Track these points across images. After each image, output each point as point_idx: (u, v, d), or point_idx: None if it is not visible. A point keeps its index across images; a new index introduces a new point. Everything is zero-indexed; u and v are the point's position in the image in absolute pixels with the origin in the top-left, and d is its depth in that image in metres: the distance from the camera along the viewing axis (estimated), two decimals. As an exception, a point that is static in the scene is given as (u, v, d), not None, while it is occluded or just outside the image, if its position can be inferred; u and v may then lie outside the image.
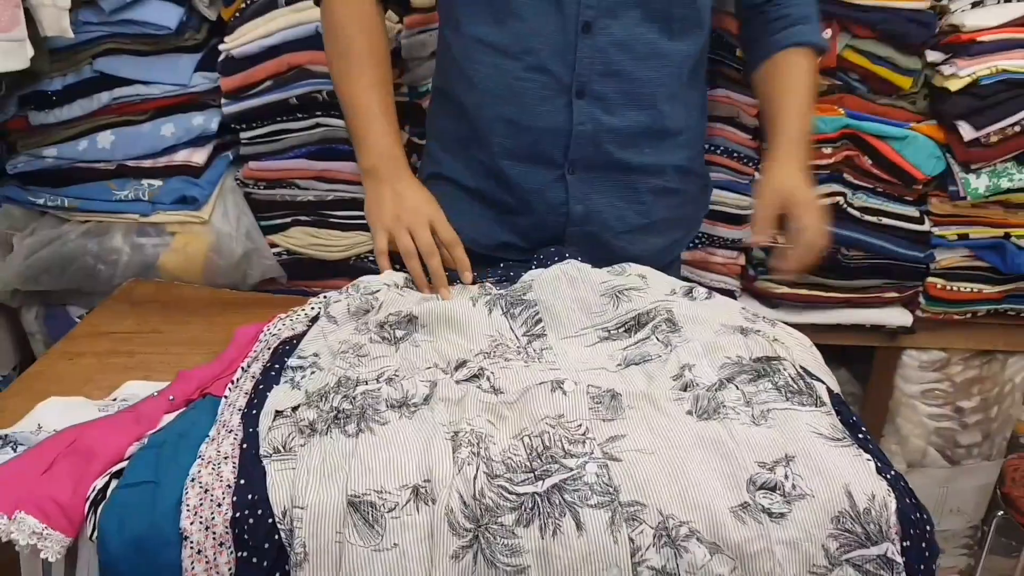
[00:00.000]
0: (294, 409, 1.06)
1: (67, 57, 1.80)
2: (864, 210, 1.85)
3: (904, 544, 1.09)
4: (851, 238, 1.85)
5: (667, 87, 1.39)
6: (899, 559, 1.01)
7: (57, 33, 1.70)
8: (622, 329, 1.21)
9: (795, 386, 1.09)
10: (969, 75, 1.73)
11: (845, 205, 1.84)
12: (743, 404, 1.05)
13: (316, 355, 1.17)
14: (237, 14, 1.77)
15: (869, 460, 1.02)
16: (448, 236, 1.34)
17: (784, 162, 1.36)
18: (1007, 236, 1.87)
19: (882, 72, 1.78)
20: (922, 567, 1.09)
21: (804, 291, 1.91)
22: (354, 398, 1.05)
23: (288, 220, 1.91)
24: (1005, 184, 1.78)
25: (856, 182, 1.84)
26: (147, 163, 1.84)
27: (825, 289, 1.91)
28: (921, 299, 1.95)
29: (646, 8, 1.34)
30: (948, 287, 1.92)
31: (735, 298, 1.91)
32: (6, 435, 1.14)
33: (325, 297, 1.32)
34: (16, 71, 1.66)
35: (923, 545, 1.09)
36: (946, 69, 1.77)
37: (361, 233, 1.89)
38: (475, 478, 0.95)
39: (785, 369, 1.11)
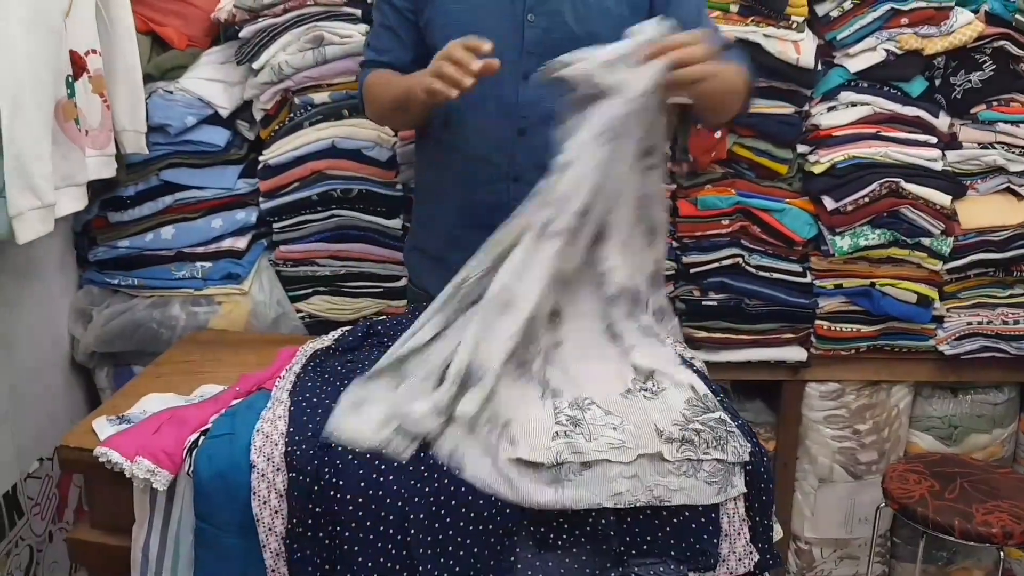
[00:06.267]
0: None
1: (139, 169, 2.24)
2: (759, 268, 2.31)
3: (748, 467, 1.53)
4: (751, 290, 2.31)
5: None
6: (731, 421, 1.44)
7: (136, 151, 2.16)
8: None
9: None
10: (829, 161, 2.23)
11: (744, 264, 2.30)
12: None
13: None
14: (272, 133, 2.26)
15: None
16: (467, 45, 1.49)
17: None
18: (872, 284, 2.31)
19: (763, 161, 2.28)
20: (762, 486, 1.53)
21: (719, 335, 2.37)
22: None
23: (310, 291, 2.36)
24: (863, 242, 2.23)
25: (751, 246, 2.30)
26: (200, 249, 2.28)
27: (735, 333, 2.36)
28: (813, 339, 2.37)
29: None
30: (832, 328, 2.35)
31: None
32: (123, 415, 1.60)
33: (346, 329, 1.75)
34: (101, 180, 2.10)
35: (761, 470, 1.52)
36: (812, 157, 2.27)
37: (368, 299, 2.36)
38: None
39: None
